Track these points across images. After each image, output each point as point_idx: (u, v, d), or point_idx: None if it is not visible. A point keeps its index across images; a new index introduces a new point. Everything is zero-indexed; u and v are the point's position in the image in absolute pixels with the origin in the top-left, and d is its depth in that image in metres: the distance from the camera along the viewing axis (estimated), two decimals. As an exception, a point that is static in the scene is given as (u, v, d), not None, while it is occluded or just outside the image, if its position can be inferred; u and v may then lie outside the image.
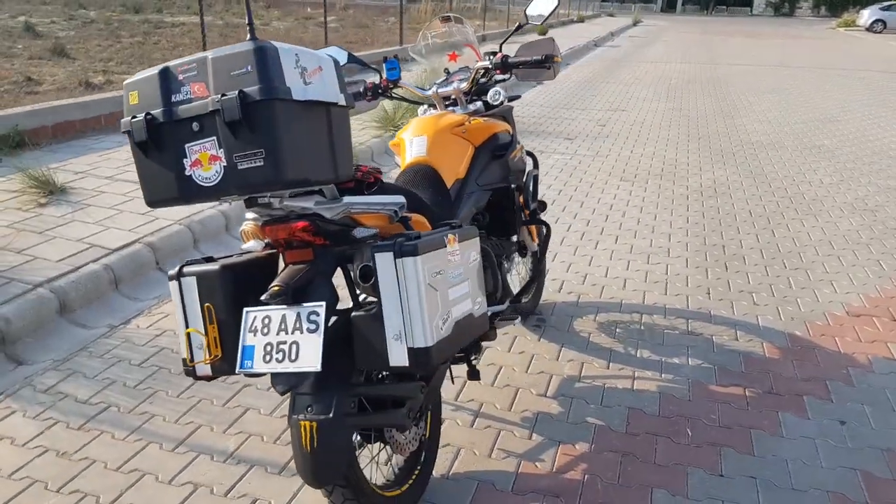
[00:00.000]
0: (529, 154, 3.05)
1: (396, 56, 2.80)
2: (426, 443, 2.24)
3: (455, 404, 2.70)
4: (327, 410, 1.72)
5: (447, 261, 1.74)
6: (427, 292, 1.64)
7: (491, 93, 2.81)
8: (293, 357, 1.66)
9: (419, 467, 2.20)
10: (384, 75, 2.73)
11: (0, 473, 2.31)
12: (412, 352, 1.63)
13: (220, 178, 1.52)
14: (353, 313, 1.69)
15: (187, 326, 1.79)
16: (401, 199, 1.90)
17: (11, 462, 2.36)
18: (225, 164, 1.51)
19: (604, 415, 2.64)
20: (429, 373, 2.03)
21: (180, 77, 1.54)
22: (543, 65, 2.71)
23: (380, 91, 2.74)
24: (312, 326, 1.65)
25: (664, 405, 2.71)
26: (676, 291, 3.73)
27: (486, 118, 2.69)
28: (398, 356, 1.63)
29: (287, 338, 1.67)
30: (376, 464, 2.12)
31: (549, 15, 2.79)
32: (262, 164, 1.47)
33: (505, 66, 2.75)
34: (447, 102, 2.83)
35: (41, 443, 2.46)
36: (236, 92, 1.45)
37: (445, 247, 1.75)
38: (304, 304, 1.68)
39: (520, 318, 3.28)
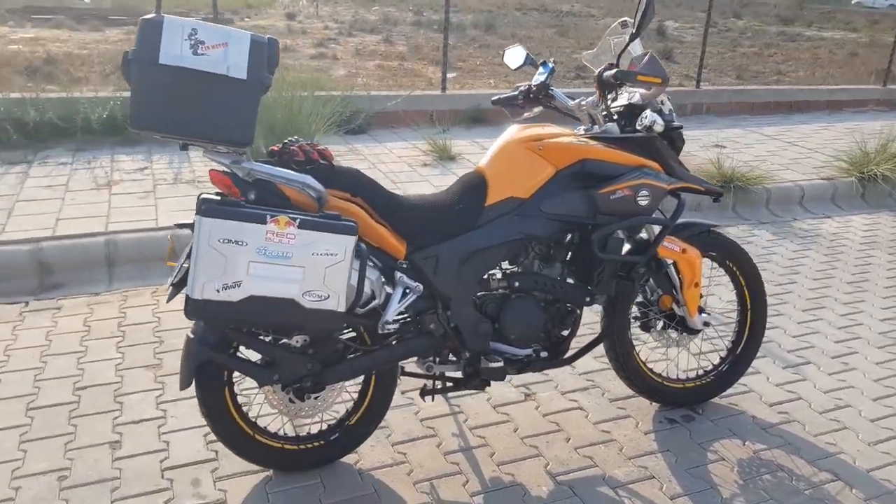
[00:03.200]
0: (675, 195, 2.49)
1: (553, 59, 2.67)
2: (344, 427, 2.34)
3: (427, 422, 2.59)
4: (195, 332, 2.10)
5: (262, 237, 1.88)
6: (207, 252, 1.86)
7: (641, 116, 2.44)
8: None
9: (320, 442, 2.32)
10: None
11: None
12: (186, 298, 1.88)
13: None
14: None
15: None
16: (305, 178, 2.04)
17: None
18: None
19: (573, 528, 2.16)
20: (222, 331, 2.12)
21: None
22: (618, 82, 2.25)
23: (531, 96, 2.67)
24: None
25: (661, 568, 2.03)
26: (954, 486, 2.43)
27: (585, 140, 2.37)
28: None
29: (188, 264, 2.08)
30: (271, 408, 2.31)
31: (640, 18, 2.24)
32: (130, 110, 1.92)
33: (599, 81, 2.36)
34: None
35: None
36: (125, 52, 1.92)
37: (265, 224, 1.88)
38: None
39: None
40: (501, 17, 19.31)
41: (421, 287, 2.27)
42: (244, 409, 2.28)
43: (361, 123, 6.06)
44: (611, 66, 2.44)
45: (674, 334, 2.74)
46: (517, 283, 2.39)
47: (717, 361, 2.86)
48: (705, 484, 2.39)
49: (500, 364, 2.35)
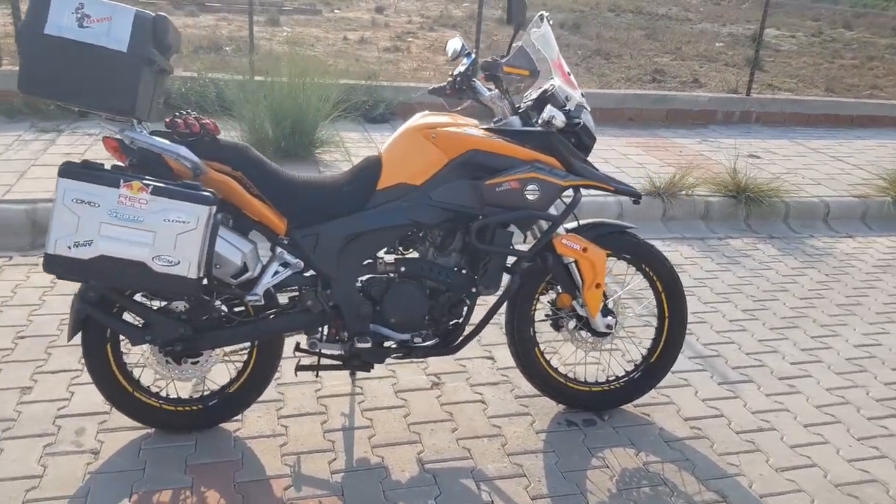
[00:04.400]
0: (576, 190, 2.43)
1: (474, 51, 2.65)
2: (224, 395, 2.43)
3: (323, 400, 2.64)
4: (79, 290, 2.25)
5: (115, 200, 1.99)
6: (61, 211, 1.98)
7: (543, 111, 2.40)
8: None
9: (198, 406, 2.42)
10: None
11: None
12: (44, 253, 2.01)
13: None
14: None
15: None
16: (179, 149, 2.14)
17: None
18: None
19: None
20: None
21: None
22: (487, 73, 2.23)
23: (456, 87, 2.66)
24: None
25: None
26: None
27: (480, 131, 2.36)
28: None
29: None
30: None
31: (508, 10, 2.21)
32: (18, 76, 2.07)
33: (483, 73, 2.35)
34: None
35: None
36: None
37: (118, 188, 1.99)
38: None
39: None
40: (592, 17, 18.98)
41: (301, 264, 2.33)
42: (128, 367, 2.40)
43: (384, 112, 6.14)
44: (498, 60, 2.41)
45: (586, 335, 2.67)
46: (403, 269, 2.41)
47: (629, 368, 2.78)
48: (575, 488, 2.33)
49: (369, 345, 2.37)
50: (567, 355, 2.81)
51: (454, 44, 2.70)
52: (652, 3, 22.16)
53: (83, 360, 2.34)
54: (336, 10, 17.12)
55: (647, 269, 2.65)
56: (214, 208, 2.06)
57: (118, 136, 2.16)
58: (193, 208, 2.04)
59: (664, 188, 4.80)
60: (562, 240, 2.48)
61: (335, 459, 2.38)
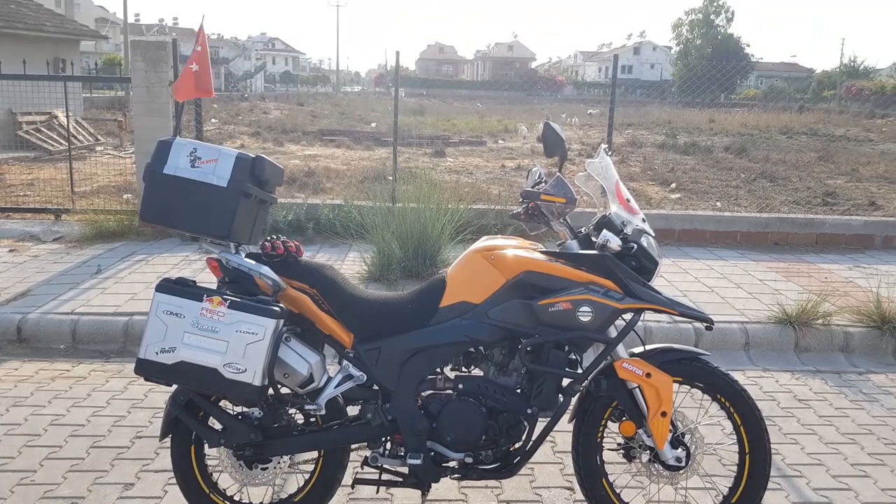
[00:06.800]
0: (637, 314, 2.48)
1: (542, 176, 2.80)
2: (288, 501, 2.64)
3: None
4: (172, 394, 2.61)
5: (198, 313, 2.34)
6: (154, 320, 2.36)
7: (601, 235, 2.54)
8: None
9: (267, 513, 2.64)
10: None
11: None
12: (137, 357, 2.39)
13: None
14: None
15: None
16: (261, 268, 2.47)
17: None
18: None
19: None
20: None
21: None
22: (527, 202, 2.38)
23: (529, 212, 2.82)
24: None
25: None
26: None
27: (536, 254, 2.52)
28: None
29: None
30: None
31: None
32: (140, 207, 2.56)
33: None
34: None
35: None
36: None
37: (201, 302, 2.35)
38: None
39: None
40: (762, 140, 18.62)
41: (364, 377, 2.54)
42: (209, 469, 2.68)
43: (511, 235, 6.41)
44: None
45: (660, 469, 2.61)
46: (461, 386, 2.54)
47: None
48: None
49: (419, 462, 2.48)
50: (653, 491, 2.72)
51: (534, 172, 2.91)
52: (829, 125, 21.35)
53: (171, 458, 2.64)
54: (500, 141, 18.22)
55: (723, 400, 2.57)
56: (281, 322, 2.36)
57: (217, 257, 2.56)
58: (262, 321, 2.33)
59: (795, 316, 4.58)
60: (623, 363, 2.50)
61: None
